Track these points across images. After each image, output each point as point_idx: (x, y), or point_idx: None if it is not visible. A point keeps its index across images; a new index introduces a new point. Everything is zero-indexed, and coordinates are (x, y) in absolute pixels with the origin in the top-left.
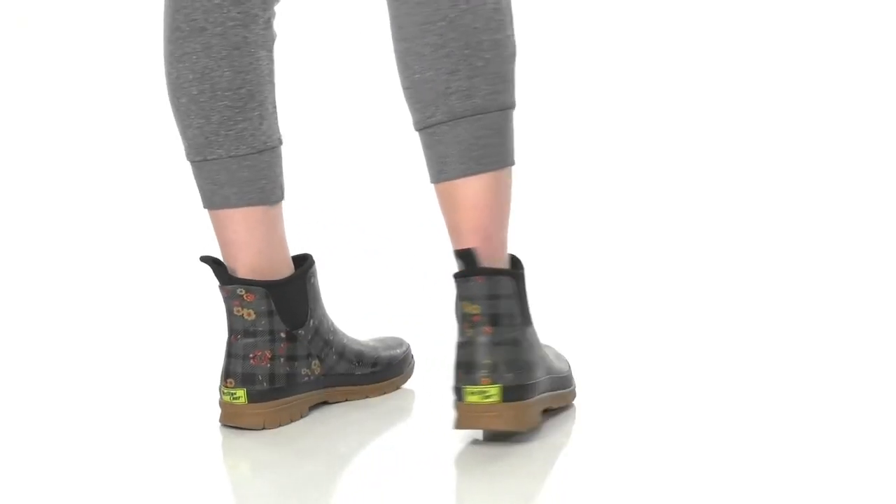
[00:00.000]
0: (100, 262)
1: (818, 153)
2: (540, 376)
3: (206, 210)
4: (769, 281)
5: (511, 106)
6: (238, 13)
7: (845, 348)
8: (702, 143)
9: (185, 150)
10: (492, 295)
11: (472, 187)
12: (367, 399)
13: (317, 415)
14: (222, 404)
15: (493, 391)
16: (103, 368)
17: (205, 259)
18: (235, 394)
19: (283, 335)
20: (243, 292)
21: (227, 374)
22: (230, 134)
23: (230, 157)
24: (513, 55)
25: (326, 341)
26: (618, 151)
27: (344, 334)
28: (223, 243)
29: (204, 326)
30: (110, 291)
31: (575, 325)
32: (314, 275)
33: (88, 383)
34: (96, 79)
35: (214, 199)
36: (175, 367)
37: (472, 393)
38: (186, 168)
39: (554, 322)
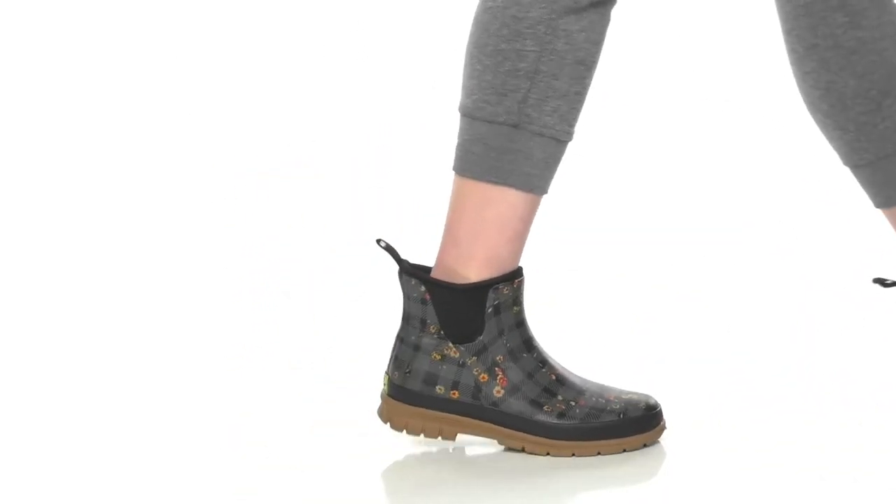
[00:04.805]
0: (102, 263)
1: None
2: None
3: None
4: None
5: (508, 124)
6: (844, 17)
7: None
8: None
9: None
10: (404, 293)
11: (454, 184)
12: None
13: None
14: None
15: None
16: (106, 369)
17: None
18: None
19: None
20: None
21: None
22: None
23: (880, 159)
24: (521, 72)
25: None
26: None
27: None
28: None
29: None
30: (112, 292)
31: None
32: None
33: (92, 384)
34: (98, 79)
35: (877, 199)
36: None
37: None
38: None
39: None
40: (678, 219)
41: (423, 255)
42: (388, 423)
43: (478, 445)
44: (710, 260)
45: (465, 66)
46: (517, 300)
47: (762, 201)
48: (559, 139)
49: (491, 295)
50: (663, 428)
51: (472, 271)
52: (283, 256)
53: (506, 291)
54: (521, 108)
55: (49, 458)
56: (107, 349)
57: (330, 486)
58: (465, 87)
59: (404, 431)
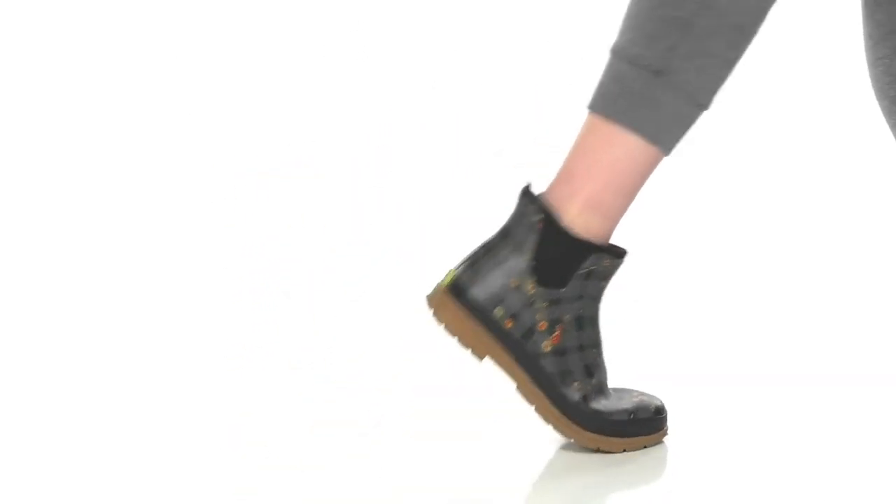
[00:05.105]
0: (102, 263)
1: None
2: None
3: None
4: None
5: (651, 69)
6: None
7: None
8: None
9: None
10: (518, 210)
11: (585, 120)
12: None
13: None
14: None
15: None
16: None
17: None
18: None
19: None
20: None
21: None
22: None
23: None
24: (676, 21)
25: None
26: None
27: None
28: None
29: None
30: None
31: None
32: None
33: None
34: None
35: None
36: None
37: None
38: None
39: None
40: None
41: (424, 256)
42: (433, 312)
43: (479, 445)
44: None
45: (627, 7)
46: (607, 277)
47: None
48: (697, 101)
49: (592, 258)
50: (665, 433)
51: (574, 208)
52: (283, 256)
53: (606, 263)
54: (667, 57)
55: (49, 458)
56: (107, 349)
57: (330, 486)
58: (620, 27)
59: (443, 326)
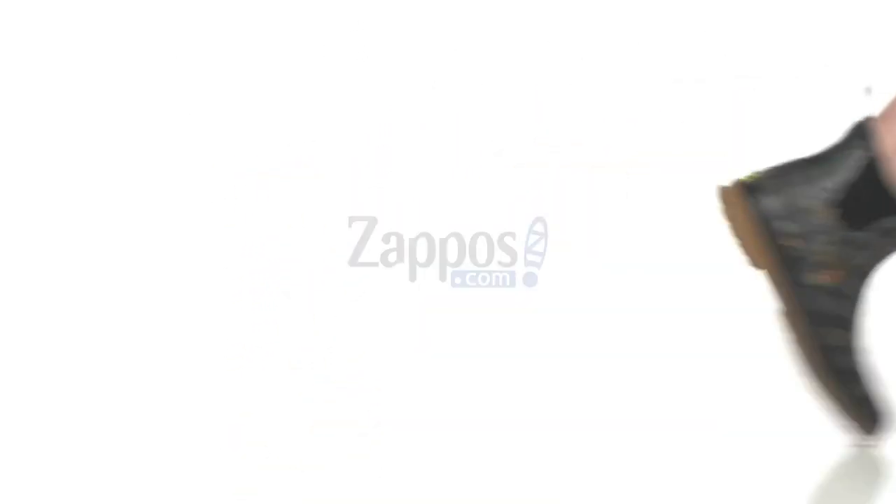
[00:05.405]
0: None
1: None
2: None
3: None
4: None
5: None
6: None
7: None
8: None
9: None
10: (852, 135)
11: None
12: None
13: None
14: None
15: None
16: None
17: None
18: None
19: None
20: None
21: None
22: None
23: None
24: None
25: None
26: None
27: None
28: None
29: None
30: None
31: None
32: None
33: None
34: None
35: None
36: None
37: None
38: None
39: None
40: None
41: (424, 256)
42: (722, 207)
43: (478, 445)
44: None
45: None
46: None
47: None
48: None
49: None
50: (875, 442)
51: (886, 149)
52: (283, 256)
53: None
54: None
55: (49, 458)
56: (107, 349)
57: (330, 486)
58: None
59: (728, 224)
